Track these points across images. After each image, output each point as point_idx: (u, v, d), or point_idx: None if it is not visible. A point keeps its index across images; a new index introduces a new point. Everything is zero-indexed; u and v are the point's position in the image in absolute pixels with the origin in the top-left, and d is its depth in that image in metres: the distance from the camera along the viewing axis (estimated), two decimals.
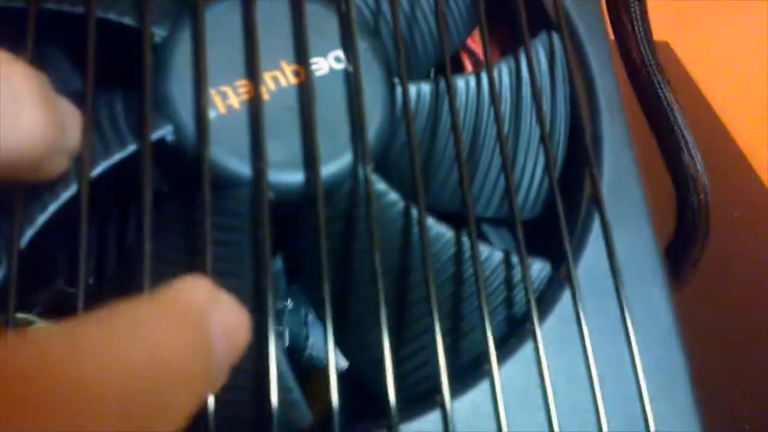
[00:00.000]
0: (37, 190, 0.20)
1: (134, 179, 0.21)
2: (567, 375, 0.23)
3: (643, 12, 0.32)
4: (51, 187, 0.20)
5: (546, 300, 0.24)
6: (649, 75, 0.32)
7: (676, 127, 0.32)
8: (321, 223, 0.20)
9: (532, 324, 0.22)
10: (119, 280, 0.24)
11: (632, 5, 0.31)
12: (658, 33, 0.60)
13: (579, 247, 0.25)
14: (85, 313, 0.18)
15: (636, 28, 0.32)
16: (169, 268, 0.21)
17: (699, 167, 0.32)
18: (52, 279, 0.25)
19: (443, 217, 0.24)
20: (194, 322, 0.17)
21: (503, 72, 0.25)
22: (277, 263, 0.25)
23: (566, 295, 0.24)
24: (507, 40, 0.28)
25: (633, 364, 0.23)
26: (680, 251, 0.33)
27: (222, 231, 0.21)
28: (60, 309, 0.24)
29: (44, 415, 0.13)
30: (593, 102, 0.27)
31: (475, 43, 0.29)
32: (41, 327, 0.23)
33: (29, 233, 0.20)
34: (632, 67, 0.32)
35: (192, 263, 0.20)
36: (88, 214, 0.20)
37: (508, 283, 0.24)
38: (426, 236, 0.22)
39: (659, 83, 0.32)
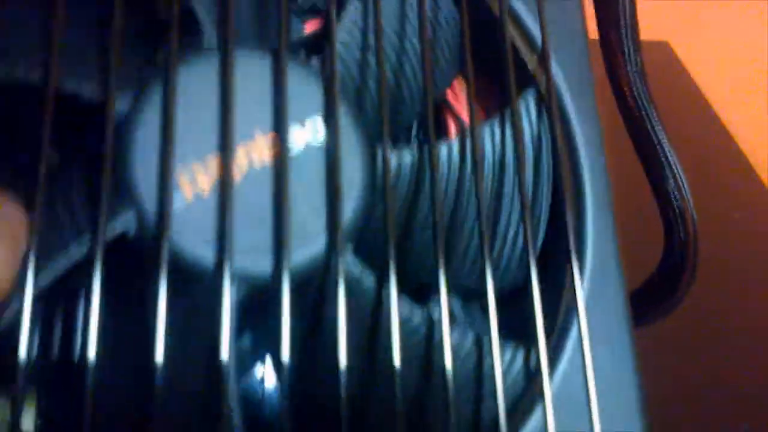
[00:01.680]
0: None
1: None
2: None
3: (636, 43, 0.32)
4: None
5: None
6: (639, 109, 0.32)
7: (665, 161, 0.32)
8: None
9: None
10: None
11: (624, 36, 0.31)
12: (658, 33, 0.60)
13: (556, 355, 0.24)
14: None
15: (627, 59, 0.32)
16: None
17: (688, 201, 0.32)
18: None
19: (423, 287, 0.24)
20: None
21: (486, 138, 0.25)
22: (245, 342, 0.24)
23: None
24: (488, 91, 0.28)
25: None
26: (663, 286, 0.33)
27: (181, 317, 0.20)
28: None
29: None
30: (578, 181, 0.26)
31: (455, 100, 0.29)
32: None
33: None
34: (622, 99, 0.32)
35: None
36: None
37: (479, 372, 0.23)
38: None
39: (649, 117, 0.32)
